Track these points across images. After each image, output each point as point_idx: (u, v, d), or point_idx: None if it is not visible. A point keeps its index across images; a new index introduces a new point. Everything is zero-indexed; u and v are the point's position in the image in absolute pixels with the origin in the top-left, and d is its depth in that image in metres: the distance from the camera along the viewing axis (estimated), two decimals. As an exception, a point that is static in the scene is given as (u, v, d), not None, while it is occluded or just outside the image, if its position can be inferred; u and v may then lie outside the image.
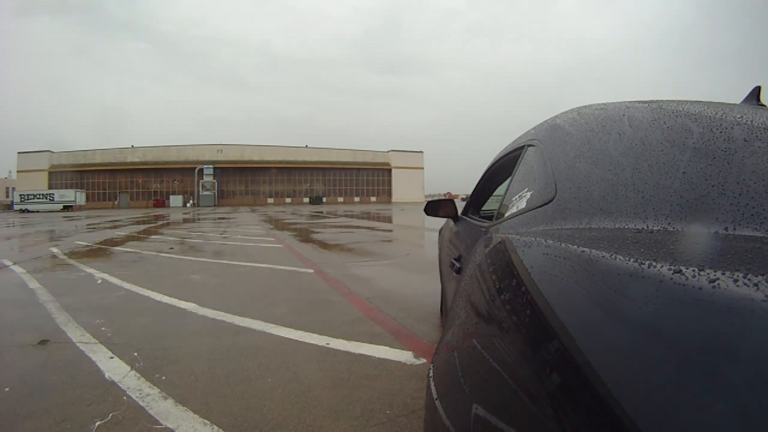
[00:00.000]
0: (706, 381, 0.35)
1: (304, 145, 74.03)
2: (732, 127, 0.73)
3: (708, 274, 0.43)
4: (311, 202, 66.38)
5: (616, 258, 0.54)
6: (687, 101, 0.95)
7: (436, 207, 2.80)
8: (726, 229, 0.56)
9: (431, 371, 0.92)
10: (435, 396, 0.83)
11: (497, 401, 0.59)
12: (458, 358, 0.78)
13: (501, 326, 0.66)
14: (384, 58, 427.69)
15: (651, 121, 0.88)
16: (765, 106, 1.07)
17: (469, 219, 2.41)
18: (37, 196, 52.37)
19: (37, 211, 48.24)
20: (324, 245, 10.05)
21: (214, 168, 63.70)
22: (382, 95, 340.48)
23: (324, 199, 69.52)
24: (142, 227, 17.31)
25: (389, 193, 76.65)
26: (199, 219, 23.87)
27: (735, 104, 0.95)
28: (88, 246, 10.44)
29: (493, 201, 2.55)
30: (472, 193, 2.60)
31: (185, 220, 22.54)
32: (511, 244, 0.85)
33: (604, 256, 0.56)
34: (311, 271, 6.35)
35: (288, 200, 69.26)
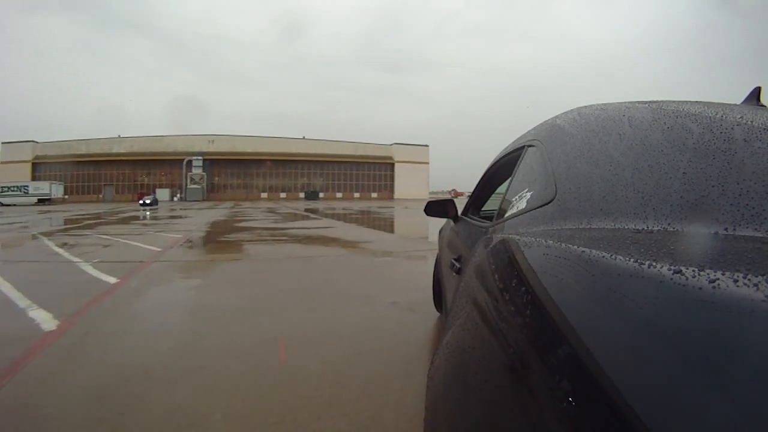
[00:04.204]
0: (706, 381, 0.34)
1: (301, 137, 70.56)
2: (732, 128, 0.72)
3: (708, 274, 0.43)
4: (307, 198, 62.82)
5: (616, 258, 0.53)
6: (687, 101, 0.94)
7: (436, 207, 2.77)
8: (726, 229, 0.56)
9: (431, 371, 0.91)
10: (435, 396, 0.83)
11: (498, 401, 0.58)
12: (458, 358, 0.78)
13: (501, 327, 0.65)
14: (385, 57, 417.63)
15: (651, 121, 0.88)
16: (765, 106, 1.06)
17: (469, 219, 2.39)
18: (12, 189, 49.87)
19: (13, 205, 45.55)
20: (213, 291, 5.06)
21: (204, 160, 60.56)
22: (385, 93, 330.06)
23: (321, 195, 65.68)
24: (63, 227, 14.65)
25: (392, 189, 72.35)
26: (148, 216, 21.03)
27: (735, 105, 0.95)
28: None
29: (494, 201, 2.46)
30: (473, 194, 2.58)
31: (129, 219, 19.43)
32: (512, 244, 0.85)
33: (604, 257, 0.56)
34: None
35: (283, 195, 65.83)
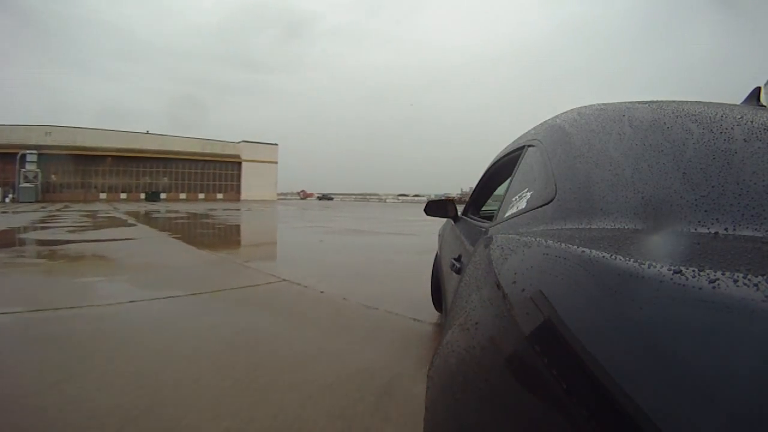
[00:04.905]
0: (706, 381, 0.34)
1: (145, 131, 65.18)
2: (732, 128, 0.71)
3: (708, 274, 0.42)
4: (147, 199, 58.89)
5: (616, 258, 0.52)
6: (687, 102, 0.95)
7: (436, 207, 2.87)
8: (726, 229, 0.55)
9: (431, 371, 0.91)
10: (435, 396, 0.83)
11: (498, 401, 0.59)
12: (458, 358, 0.76)
13: (501, 327, 0.65)
14: (243, 54, 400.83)
15: (651, 121, 0.87)
16: (765, 106, 1.08)
17: (469, 219, 2.45)
18: None
19: None
20: None
21: (40, 155, 53.12)
22: (239, 91, 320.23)
23: (163, 196, 61.76)
24: None
25: (238, 190, 70.17)
26: None
27: (735, 105, 0.95)
28: None
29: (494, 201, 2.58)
30: (473, 193, 2.67)
31: None
32: (512, 244, 0.85)
33: (604, 257, 0.55)
34: None
35: (123, 196, 60.14)
